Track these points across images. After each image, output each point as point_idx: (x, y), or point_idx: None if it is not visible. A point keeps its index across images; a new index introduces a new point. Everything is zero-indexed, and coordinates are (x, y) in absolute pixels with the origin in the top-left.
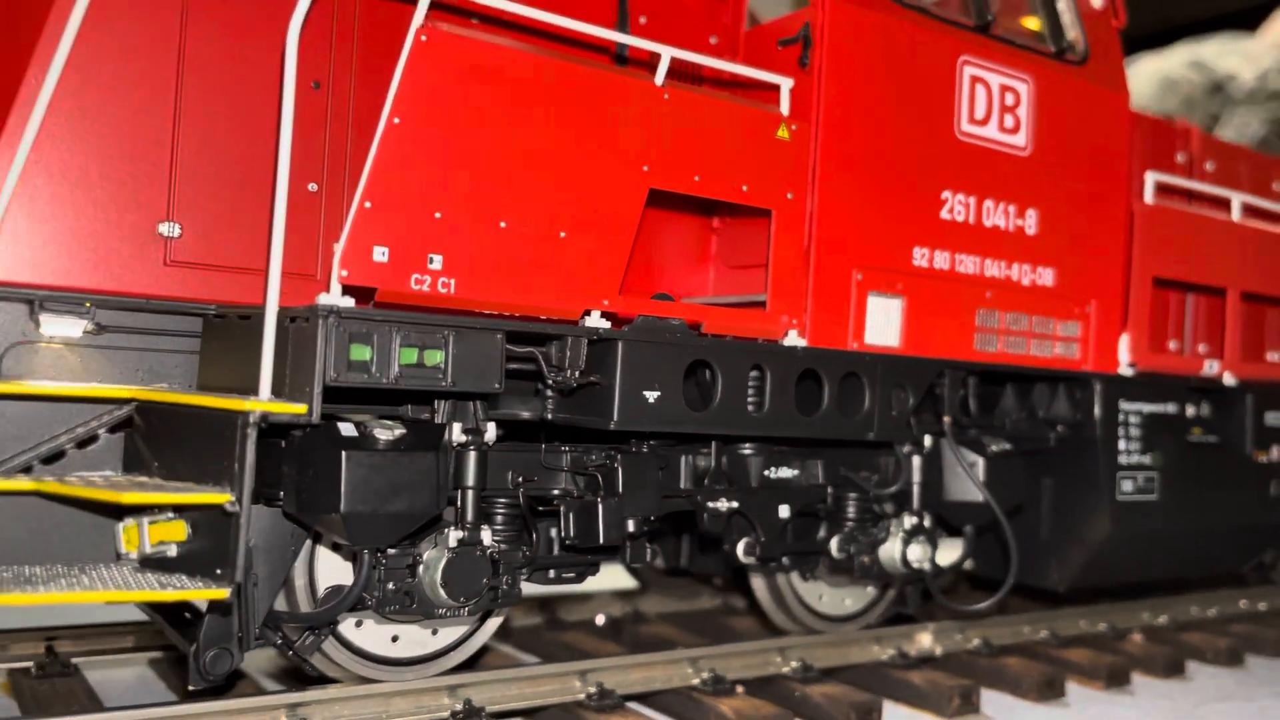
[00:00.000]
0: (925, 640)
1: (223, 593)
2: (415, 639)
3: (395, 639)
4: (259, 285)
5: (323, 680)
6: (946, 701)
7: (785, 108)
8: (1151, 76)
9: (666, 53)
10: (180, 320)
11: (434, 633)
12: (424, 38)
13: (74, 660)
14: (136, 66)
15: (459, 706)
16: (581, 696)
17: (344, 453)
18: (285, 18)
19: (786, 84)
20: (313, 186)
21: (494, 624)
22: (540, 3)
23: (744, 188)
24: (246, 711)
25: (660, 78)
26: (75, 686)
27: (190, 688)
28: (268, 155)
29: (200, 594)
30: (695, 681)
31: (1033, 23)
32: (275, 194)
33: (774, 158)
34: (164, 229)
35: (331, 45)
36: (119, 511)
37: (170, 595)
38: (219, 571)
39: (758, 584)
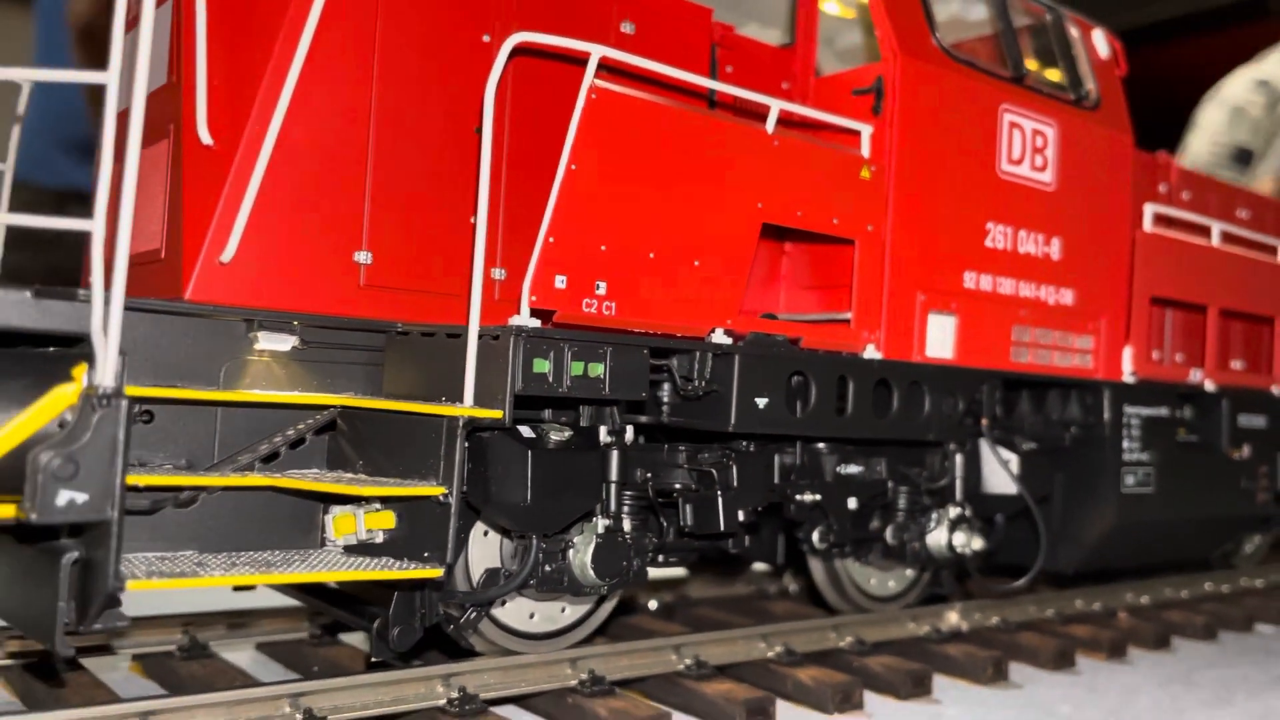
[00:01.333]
0: (953, 618)
1: (437, 571)
2: (548, 615)
3: (532, 615)
4: (432, 305)
5: (472, 654)
6: (982, 671)
7: (866, 151)
8: (1220, 107)
9: (775, 105)
10: (365, 336)
11: (562, 610)
12: (594, 96)
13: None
14: (338, 109)
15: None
16: (682, 668)
17: (530, 452)
18: (456, 68)
19: (867, 130)
20: (474, 219)
21: (609, 606)
22: (652, 56)
23: (834, 220)
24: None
25: (771, 126)
26: (214, 667)
27: (374, 659)
28: (439, 189)
29: (420, 573)
30: (770, 655)
31: (1055, 74)
32: (475, 231)
33: (858, 195)
34: (359, 257)
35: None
36: (324, 503)
37: (398, 574)
38: (426, 554)
39: (815, 567)
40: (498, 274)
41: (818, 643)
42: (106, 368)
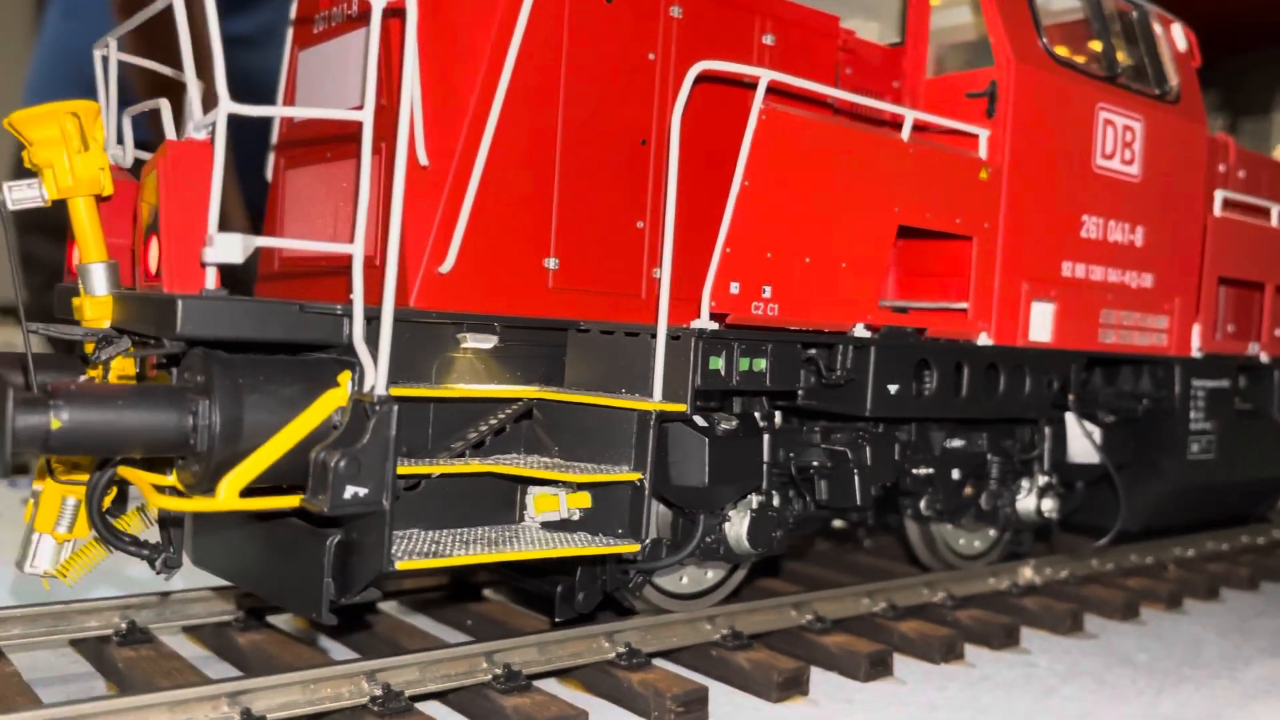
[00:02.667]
0: (1028, 573)
1: (634, 547)
2: (695, 578)
3: (682, 578)
4: (605, 303)
5: (631, 612)
6: (1061, 622)
7: (984, 153)
8: None
9: (910, 114)
10: (551, 332)
11: (707, 573)
12: (764, 117)
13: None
14: (534, 126)
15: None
16: (803, 623)
17: (707, 440)
18: (626, 84)
19: (984, 134)
20: (640, 224)
21: (742, 571)
22: (789, 65)
23: (957, 221)
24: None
25: (906, 134)
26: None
27: (557, 619)
28: (610, 197)
29: (619, 549)
30: (876, 610)
31: (1142, 70)
32: (663, 241)
33: (977, 195)
34: (549, 263)
35: (654, 111)
36: (522, 484)
37: (603, 549)
38: (620, 531)
39: (912, 530)
40: (658, 273)
41: (915, 598)
42: (379, 377)
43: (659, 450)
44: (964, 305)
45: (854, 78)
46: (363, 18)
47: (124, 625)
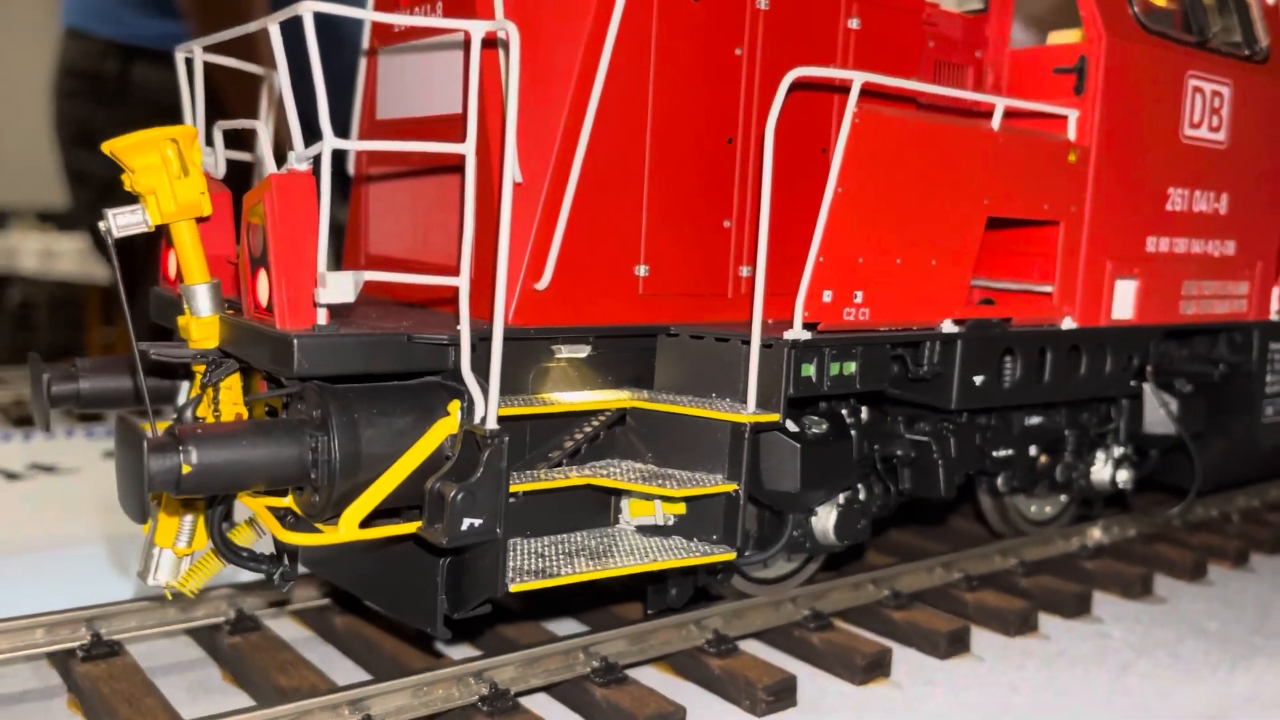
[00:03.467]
0: (1096, 534)
1: (731, 555)
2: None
3: (765, 564)
4: (691, 305)
5: (718, 598)
6: (1132, 586)
7: (1072, 134)
8: None
9: (1000, 102)
10: (641, 337)
11: (788, 558)
12: (857, 120)
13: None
14: (625, 135)
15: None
16: (881, 598)
17: (800, 449)
18: (713, 82)
19: (1073, 115)
20: (727, 223)
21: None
22: (876, 47)
23: (1045, 206)
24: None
25: (996, 123)
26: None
27: (649, 610)
28: (696, 198)
29: (717, 558)
30: (951, 580)
31: (1231, 31)
32: (758, 247)
33: (1065, 179)
34: (639, 270)
35: (740, 109)
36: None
37: (704, 559)
38: (714, 537)
39: (985, 500)
40: (745, 271)
41: (988, 566)
42: (490, 411)
43: (752, 458)
44: (1048, 289)
45: (937, 50)
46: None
47: (233, 613)
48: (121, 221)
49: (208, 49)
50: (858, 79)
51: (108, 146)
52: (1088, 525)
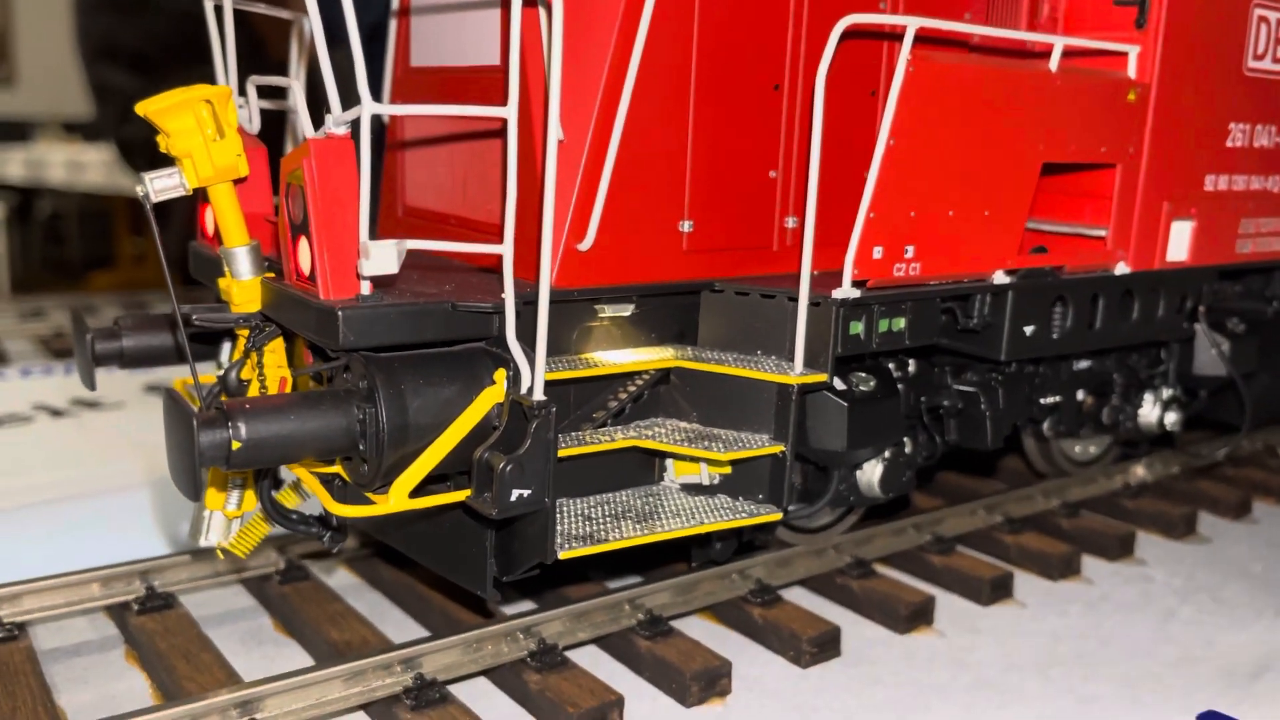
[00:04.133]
0: (1140, 472)
1: (777, 516)
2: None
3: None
4: (735, 259)
5: (761, 548)
6: (1175, 526)
7: (1132, 72)
8: None
9: (1059, 41)
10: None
11: (831, 511)
12: (911, 69)
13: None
14: (668, 91)
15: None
16: (923, 543)
17: (847, 407)
18: (759, 26)
19: (1134, 51)
20: (773, 174)
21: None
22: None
23: (1102, 149)
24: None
25: (1054, 64)
26: None
27: (693, 564)
28: (741, 148)
29: (764, 518)
30: (993, 523)
31: None
32: (806, 207)
33: (1123, 119)
34: (683, 226)
35: (787, 55)
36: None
37: (750, 520)
38: (760, 497)
39: (1028, 441)
40: (790, 222)
41: (1030, 508)
42: (537, 383)
43: (799, 419)
44: (1101, 233)
45: None
46: None
47: (283, 563)
48: (158, 185)
49: None
50: (911, 24)
51: (141, 109)
52: (1131, 463)
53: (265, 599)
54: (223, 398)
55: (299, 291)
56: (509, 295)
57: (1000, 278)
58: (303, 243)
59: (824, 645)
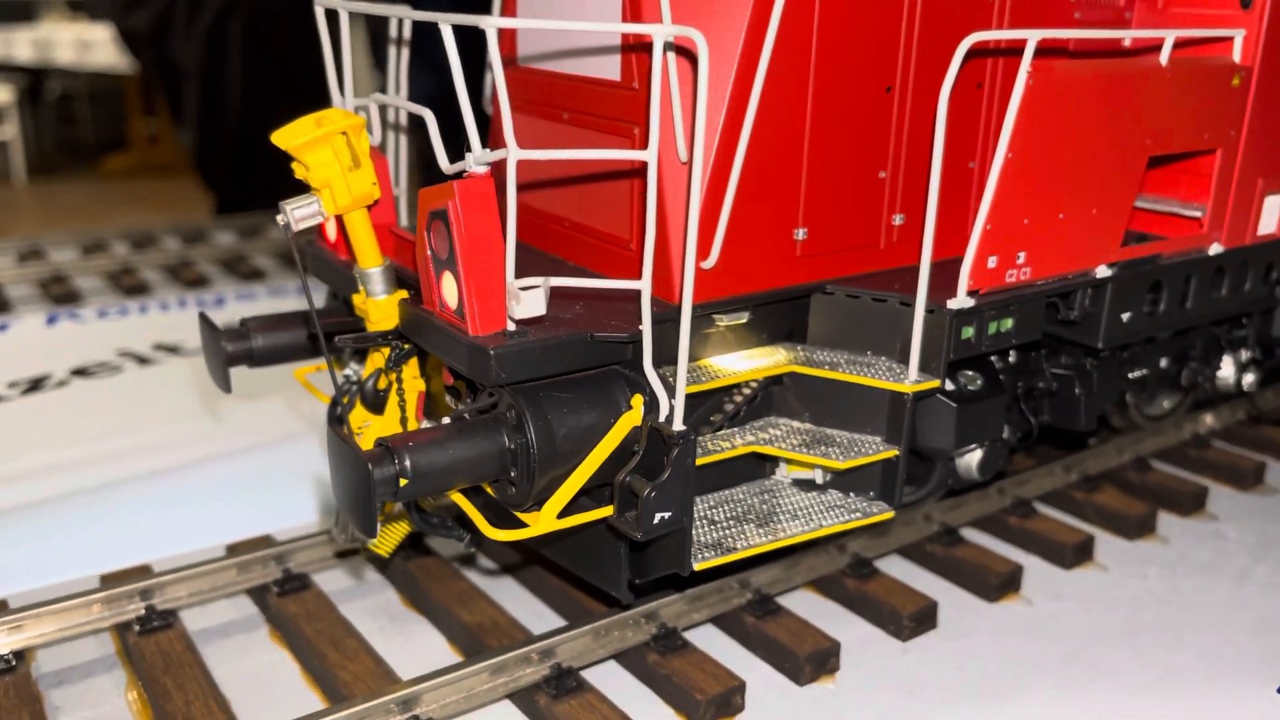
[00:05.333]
0: (1209, 420)
1: (890, 514)
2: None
3: None
4: (846, 260)
5: None
6: (1244, 477)
7: (1237, 56)
8: None
9: (1170, 34)
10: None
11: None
12: (1032, 81)
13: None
14: (787, 104)
15: None
16: (1006, 506)
17: (956, 408)
18: (874, 28)
19: (1240, 34)
20: (882, 174)
21: None
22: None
23: (1205, 135)
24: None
25: (1165, 57)
26: None
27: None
28: (852, 150)
29: (878, 517)
30: (1071, 480)
31: None
32: (925, 218)
33: (1226, 103)
34: (798, 234)
35: (900, 57)
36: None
37: (866, 521)
38: (871, 494)
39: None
40: (898, 220)
41: (1105, 464)
42: (677, 415)
43: (911, 423)
44: (1197, 213)
45: None
46: None
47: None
48: (299, 215)
49: None
50: (1032, 37)
51: (280, 141)
52: (1201, 414)
53: (390, 576)
54: (381, 435)
55: (445, 324)
56: (646, 328)
57: (1103, 271)
58: (447, 277)
59: (922, 620)
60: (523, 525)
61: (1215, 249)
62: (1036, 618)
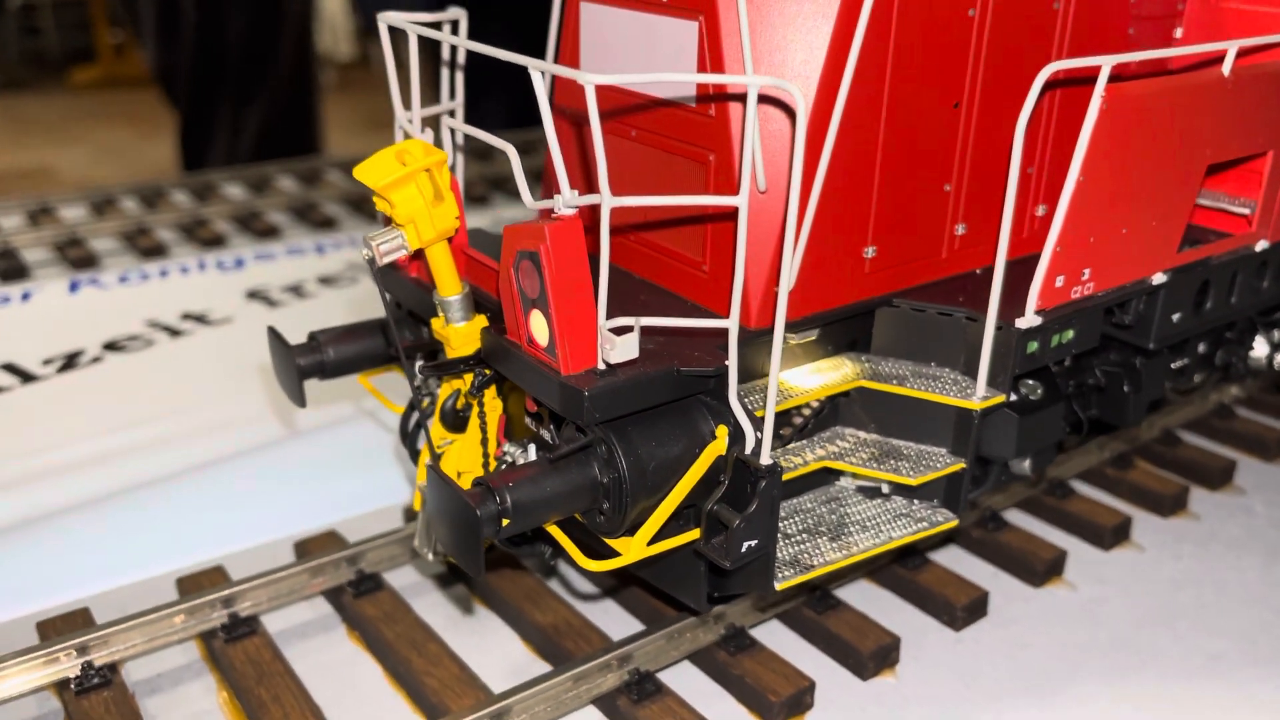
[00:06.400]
0: (1233, 390)
1: (955, 522)
2: None
3: None
4: (908, 271)
5: None
6: (1268, 448)
7: None
8: None
9: (1233, 46)
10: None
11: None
12: (1105, 105)
13: None
14: (862, 129)
15: None
16: (1045, 487)
17: (1018, 419)
18: (943, 46)
19: None
20: (947, 187)
21: None
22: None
23: (1260, 140)
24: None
25: (1227, 69)
26: None
27: None
28: (919, 165)
29: (944, 526)
30: (1104, 457)
31: None
32: (998, 241)
33: (1277, 106)
34: (867, 252)
35: (968, 74)
36: None
37: (933, 530)
38: (935, 502)
39: None
40: (960, 229)
41: (1132, 441)
42: (764, 452)
43: (977, 437)
44: (1245, 210)
45: None
46: (673, 6)
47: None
48: (384, 249)
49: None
50: (1106, 64)
51: (365, 180)
52: (1226, 385)
53: (460, 573)
54: (462, 455)
55: (534, 360)
56: (733, 364)
57: (1159, 278)
58: (536, 315)
59: (973, 609)
60: (615, 553)
61: (1261, 245)
62: (1081, 603)
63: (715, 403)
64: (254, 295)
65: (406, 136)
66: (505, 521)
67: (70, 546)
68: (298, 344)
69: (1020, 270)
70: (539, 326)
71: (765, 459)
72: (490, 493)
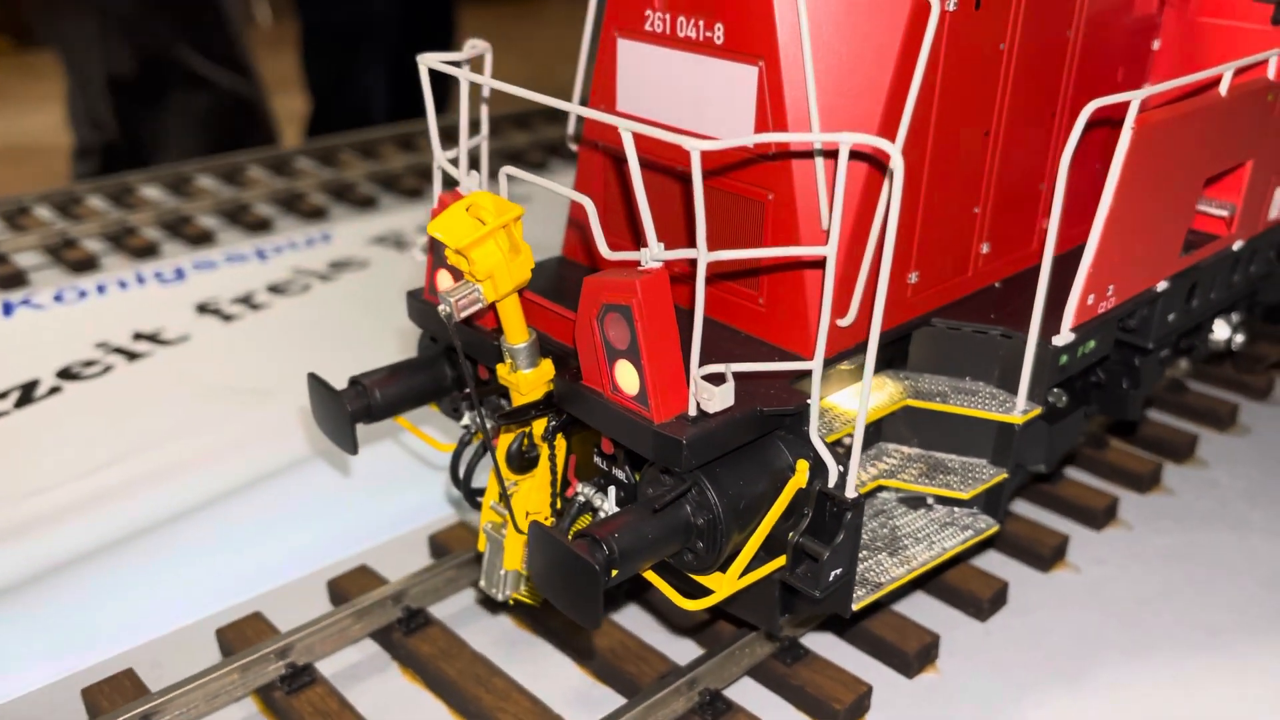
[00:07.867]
0: (1183, 365)
1: (996, 528)
2: None
3: None
4: (940, 291)
5: None
6: (1222, 420)
7: (1272, 73)
8: None
9: (1229, 69)
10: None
11: None
12: (1135, 135)
13: None
14: (913, 162)
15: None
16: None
17: (1049, 427)
18: (977, 79)
19: (1275, 54)
20: (976, 210)
21: None
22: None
23: (1245, 151)
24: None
25: (1224, 88)
26: None
27: None
28: (955, 191)
29: (987, 534)
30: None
31: None
32: (1039, 284)
33: (1262, 119)
34: (911, 278)
35: (997, 99)
36: None
37: (977, 538)
38: (975, 509)
39: None
40: (985, 248)
41: (1103, 420)
42: (849, 484)
43: (1018, 447)
44: (1224, 213)
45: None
46: (730, 50)
47: None
48: (463, 304)
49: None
50: (1136, 97)
51: (446, 240)
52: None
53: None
54: (532, 495)
55: (622, 409)
56: (815, 403)
57: (1163, 285)
58: (623, 365)
59: (996, 600)
60: (707, 591)
61: (1238, 244)
62: (1086, 585)
63: (791, 437)
64: (204, 309)
65: (445, 177)
66: (614, 571)
67: (93, 598)
68: (344, 390)
69: (1030, 279)
70: (628, 377)
71: (851, 492)
72: (597, 544)
